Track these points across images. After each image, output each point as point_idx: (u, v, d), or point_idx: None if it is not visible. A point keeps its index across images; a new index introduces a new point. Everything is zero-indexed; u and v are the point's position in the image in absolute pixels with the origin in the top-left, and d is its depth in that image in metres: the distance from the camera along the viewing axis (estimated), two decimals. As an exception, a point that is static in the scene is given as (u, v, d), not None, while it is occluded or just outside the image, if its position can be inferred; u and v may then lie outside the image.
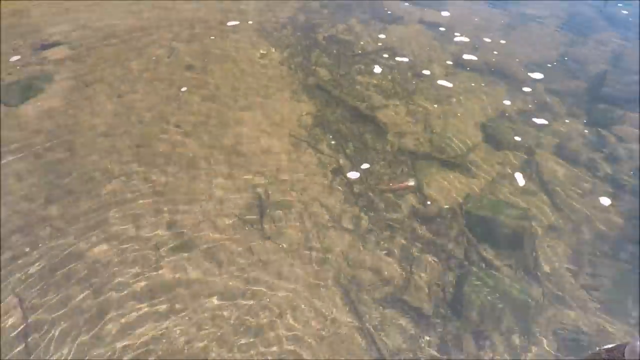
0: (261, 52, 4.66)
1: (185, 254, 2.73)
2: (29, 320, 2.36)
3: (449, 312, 2.58)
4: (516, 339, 2.47)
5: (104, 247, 2.70)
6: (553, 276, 2.77)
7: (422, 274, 2.78)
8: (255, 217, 2.99)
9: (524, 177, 3.40)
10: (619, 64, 4.66)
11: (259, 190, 3.18)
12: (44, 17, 4.96)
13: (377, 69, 4.50)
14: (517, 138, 3.69)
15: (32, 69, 4.13)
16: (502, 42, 4.97)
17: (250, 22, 5.18)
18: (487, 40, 5.00)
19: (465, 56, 4.67)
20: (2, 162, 3.20)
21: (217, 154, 3.42)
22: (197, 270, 2.66)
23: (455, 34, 5.09)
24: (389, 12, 5.54)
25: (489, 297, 2.60)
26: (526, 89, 4.23)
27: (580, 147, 3.62)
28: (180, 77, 4.17)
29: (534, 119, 3.90)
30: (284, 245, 2.85)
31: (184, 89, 4.02)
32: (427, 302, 2.62)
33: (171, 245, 2.77)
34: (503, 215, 3.04)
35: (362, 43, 4.92)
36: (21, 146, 3.35)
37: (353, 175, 3.37)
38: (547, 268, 2.82)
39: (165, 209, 2.98)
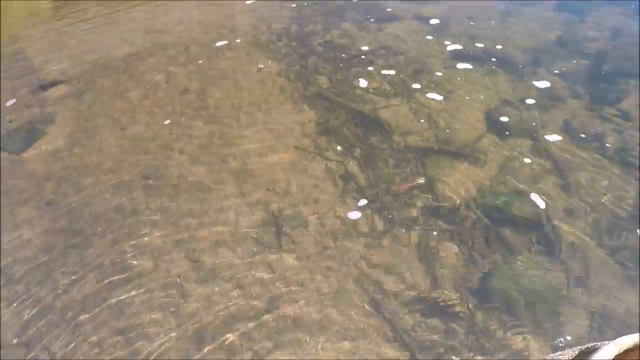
0: (259, 66, 4.66)
1: (209, 284, 2.73)
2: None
3: (478, 304, 2.54)
4: (547, 324, 2.42)
5: (126, 289, 2.71)
6: (575, 257, 2.72)
7: (445, 271, 2.75)
8: (271, 235, 2.98)
9: (532, 162, 3.35)
10: (618, 39, 4.58)
11: (272, 207, 3.17)
12: (39, 56, 5.02)
13: (376, 70, 4.47)
14: (523, 124, 3.64)
15: (32, 112, 4.17)
16: (500, 29, 4.92)
17: (245, 37, 5.19)
18: (484, 28, 4.95)
19: (463, 47, 4.63)
20: (14, 213, 3.22)
21: (225, 175, 3.42)
22: (223, 297, 2.65)
23: (451, 25, 5.05)
24: (382, 11, 5.51)
25: (515, 285, 2.57)
26: (527, 74, 4.18)
27: (586, 127, 3.56)
28: (180, 101, 4.19)
29: (537, 104, 3.85)
30: (304, 260, 2.83)
31: (184, 113, 4.03)
32: (455, 299, 2.58)
33: (193, 276, 2.76)
34: (518, 202, 3.02)
35: (358, 45, 4.90)
36: (30, 195, 3.37)
37: (364, 180, 3.35)
38: (567, 249, 2.77)
39: (182, 238, 2.98)
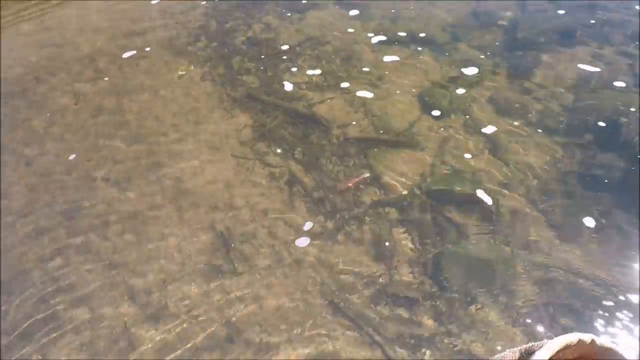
0: (179, 72, 4.32)
1: (160, 324, 2.50)
2: None
3: (436, 287, 2.59)
4: (501, 294, 2.54)
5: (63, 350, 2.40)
6: (516, 224, 2.87)
7: (400, 259, 2.77)
8: (223, 258, 2.80)
9: (467, 139, 3.47)
10: (527, 7, 4.86)
11: (218, 227, 2.97)
12: None
13: (305, 63, 4.34)
14: (453, 102, 3.74)
15: None
16: (418, 8, 4.98)
17: (158, 42, 4.77)
18: (404, 9, 4.99)
19: (387, 31, 4.63)
20: None
21: (160, 200, 3.15)
22: (179, 338, 2.45)
23: (373, 9, 5.02)
24: (302, 2, 5.33)
25: (467, 262, 2.66)
26: (450, 51, 4.30)
27: (510, 99, 3.74)
28: (95, 123, 3.76)
29: (463, 79, 3.97)
30: (261, 278, 2.70)
31: (102, 135, 3.63)
32: (413, 286, 2.62)
33: (141, 319, 2.52)
34: (459, 181, 3.12)
35: (283, 39, 4.71)
36: None
37: (309, 181, 3.26)
38: (508, 218, 2.91)
39: (122, 280, 2.70)
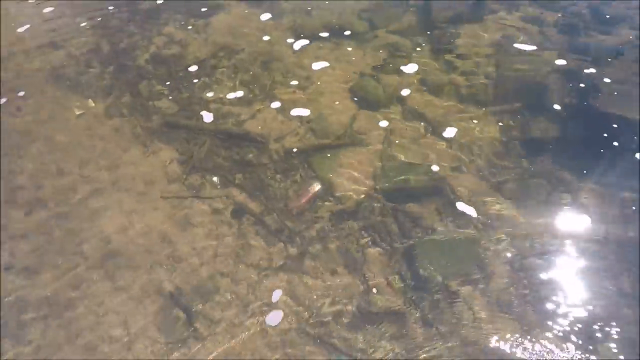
0: (77, 111, 3.67)
1: None
2: None
3: (416, 291, 2.47)
4: (476, 277, 2.49)
5: None
6: (476, 206, 2.85)
7: (374, 271, 2.61)
8: (180, 325, 2.40)
9: (408, 126, 3.38)
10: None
11: (166, 287, 2.55)
12: None
13: (223, 77, 3.94)
14: (384, 90, 3.62)
15: None
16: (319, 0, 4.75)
17: (41, 74, 4.02)
18: (316, 1, 4.74)
19: (303, 25, 4.36)
20: None
21: (84, 272, 2.62)
22: None
23: (283, 4, 4.71)
24: (202, 2, 4.83)
25: (439, 254, 2.58)
26: (370, 39, 4.16)
27: (438, 77, 3.71)
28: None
29: (390, 66, 3.87)
30: (229, 338, 2.36)
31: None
32: (394, 297, 2.47)
33: None
34: (412, 174, 3.03)
35: (192, 51, 4.24)
36: None
37: (257, 207, 2.94)
38: (467, 202, 2.88)
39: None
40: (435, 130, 3.34)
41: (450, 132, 3.30)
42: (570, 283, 2.42)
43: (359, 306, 2.45)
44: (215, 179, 3.12)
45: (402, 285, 2.52)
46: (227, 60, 4.09)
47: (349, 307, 2.46)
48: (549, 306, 2.35)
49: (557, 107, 3.24)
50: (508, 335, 2.27)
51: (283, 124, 3.48)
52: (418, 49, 3.94)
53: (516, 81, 3.46)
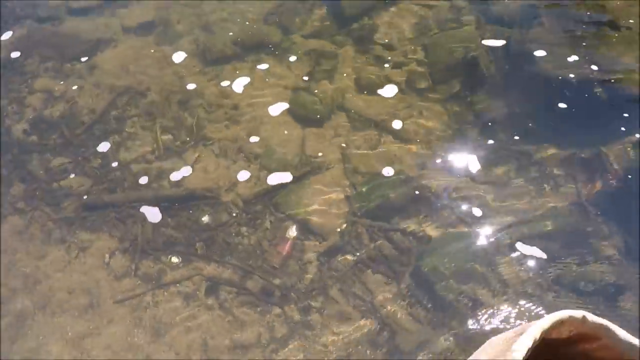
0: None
1: None
2: None
3: (435, 311, 2.38)
4: (495, 282, 2.49)
5: None
6: (456, 199, 2.81)
7: (387, 304, 2.45)
8: None
9: (362, 136, 3.19)
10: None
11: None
12: None
13: (135, 128, 3.31)
14: (324, 101, 3.35)
15: None
16: (222, 8, 4.21)
17: None
18: (211, 14, 4.19)
19: (208, 46, 3.83)
20: None
21: None
22: None
23: (175, 25, 4.07)
24: (78, 42, 3.97)
25: (441, 257, 2.51)
26: (289, 48, 3.81)
27: (371, 74, 3.54)
28: None
29: (320, 73, 3.59)
30: None
31: None
32: (419, 325, 2.35)
33: None
34: (386, 187, 2.88)
35: (84, 104, 3.49)
36: None
37: (234, 275, 2.56)
38: (445, 196, 2.83)
39: None
40: (388, 131, 3.20)
41: (403, 130, 3.19)
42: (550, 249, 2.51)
43: (386, 348, 2.28)
44: (173, 258, 2.63)
45: (423, 310, 2.39)
46: (134, 107, 3.45)
47: (378, 352, 2.28)
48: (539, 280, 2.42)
49: (494, 79, 3.30)
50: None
51: (229, 168, 3.05)
52: (342, 49, 3.72)
53: (448, 62, 3.45)
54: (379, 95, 3.42)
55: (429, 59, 3.54)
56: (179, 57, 3.79)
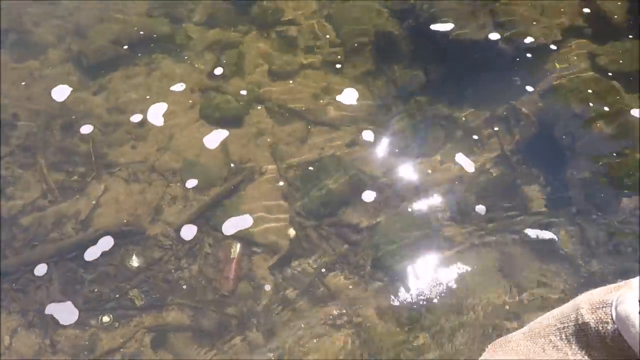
0: None
1: None
2: None
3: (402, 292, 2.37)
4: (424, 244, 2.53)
5: None
6: (390, 177, 2.79)
7: (343, 295, 2.38)
8: None
9: (288, 130, 2.99)
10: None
11: None
12: None
13: (10, 169, 2.68)
14: (239, 98, 3.06)
15: None
16: (92, 8, 3.52)
17: None
18: (82, 11, 3.49)
19: (88, 52, 3.20)
20: None
21: None
22: None
23: (32, 30, 3.30)
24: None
25: (401, 254, 2.48)
26: (185, 42, 3.36)
27: (286, 62, 3.28)
28: None
29: (227, 68, 3.23)
30: None
31: None
32: (393, 325, 2.32)
33: None
34: (326, 179, 2.75)
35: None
36: None
37: (181, 317, 2.27)
38: (382, 177, 2.79)
39: None
40: (313, 119, 3.03)
41: (327, 115, 3.05)
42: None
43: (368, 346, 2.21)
44: (104, 318, 2.21)
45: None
46: (15, 139, 2.78)
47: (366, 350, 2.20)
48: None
49: (408, 48, 3.27)
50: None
51: (145, 193, 2.64)
52: (247, 36, 3.38)
53: (359, 37, 3.34)
54: (295, 81, 3.21)
55: (339, 37, 3.39)
56: (51, 70, 3.12)
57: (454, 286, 2.39)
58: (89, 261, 2.37)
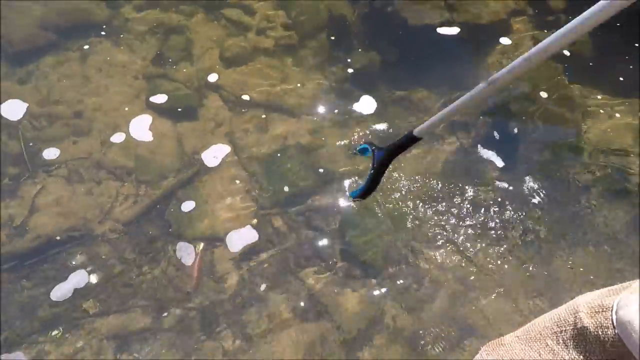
0: None
1: None
2: None
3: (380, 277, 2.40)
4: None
5: None
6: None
7: (326, 291, 2.37)
8: None
9: (246, 119, 2.87)
10: None
11: None
12: None
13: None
14: (189, 85, 2.87)
15: None
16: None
17: None
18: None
19: (12, 41, 2.82)
20: None
21: None
22: None
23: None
24: None
25: (369, 240, 2.50)
26: (125, 27, 3.07)
27: (238, 44, 3.13)
28: None
29: (173, 54, 3.02)
30: None
31: None
32: (364, 307, 2.34)
33: None
34: (293, 171, 2.68)
35: None
36: None
37: (146, 321, 2.12)
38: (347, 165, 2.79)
39: None
40: (272, 107, 2.93)
41: (286, 104, 2.95)
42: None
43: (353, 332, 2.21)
44: (54, 332, 2.00)
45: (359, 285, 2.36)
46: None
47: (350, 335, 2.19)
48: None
49: (364, 33, 3.24)
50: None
51: (91, 194, 2.41)
52: (194, 19, 3.16)
53: (314, 22, 3.25)
54: (250, 67, 3.07)
55: (292, 21, 3.28)
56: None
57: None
58: (29, 271, 2.12)
